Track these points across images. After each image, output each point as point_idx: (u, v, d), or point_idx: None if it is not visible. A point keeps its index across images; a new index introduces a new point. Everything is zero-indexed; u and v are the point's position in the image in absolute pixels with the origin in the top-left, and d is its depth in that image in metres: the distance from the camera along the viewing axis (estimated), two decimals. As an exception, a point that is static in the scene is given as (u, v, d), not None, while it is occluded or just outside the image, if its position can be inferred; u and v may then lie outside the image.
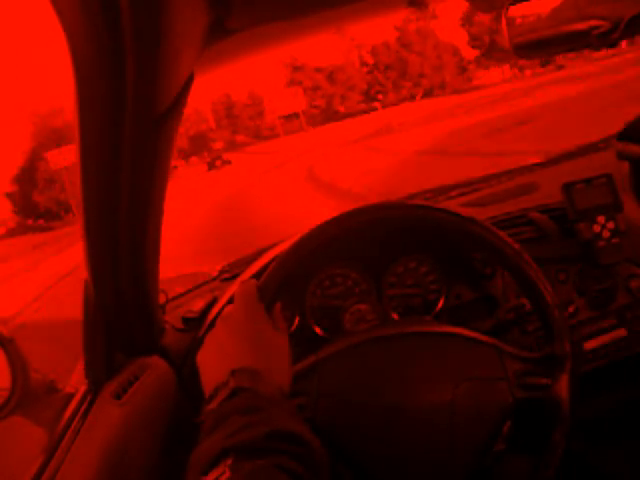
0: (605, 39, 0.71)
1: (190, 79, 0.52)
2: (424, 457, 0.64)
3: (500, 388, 0.66)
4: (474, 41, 41.99)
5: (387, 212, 0.68)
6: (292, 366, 0.58)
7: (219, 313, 0.91)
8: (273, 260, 0.65)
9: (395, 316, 0.98)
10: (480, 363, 0.67)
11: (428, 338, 0.69)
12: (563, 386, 0.67)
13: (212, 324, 0.90)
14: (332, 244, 0.66)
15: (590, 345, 0.95)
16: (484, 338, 0.69)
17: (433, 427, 0.64)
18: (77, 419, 0.68)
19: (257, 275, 0.88)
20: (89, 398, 0.71)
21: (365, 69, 45.55)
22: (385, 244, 0.97)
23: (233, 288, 0.93)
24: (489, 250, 0.68)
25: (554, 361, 0.67)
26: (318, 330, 0.96)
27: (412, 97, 43.15)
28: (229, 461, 0.41)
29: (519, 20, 0.73)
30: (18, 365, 0.65)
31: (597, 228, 0.96)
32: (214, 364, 0.54)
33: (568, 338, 0.68)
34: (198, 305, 0.97)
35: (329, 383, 0.64)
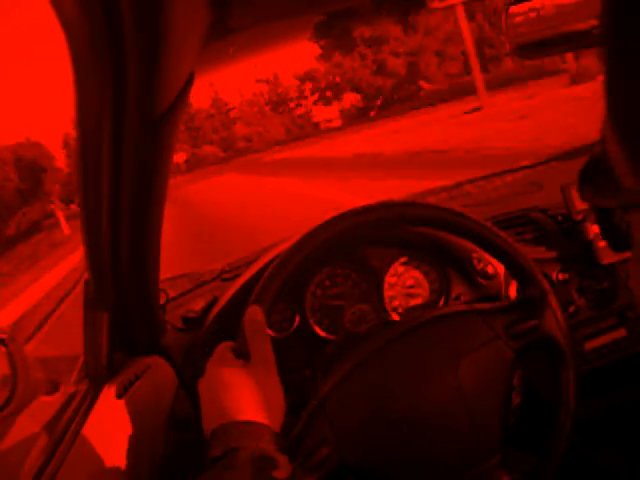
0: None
1: (190, 79, 0.52)
2: (455, 446, 0.64)
3: (496, 348, 0.66)
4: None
5: (385, 212, 0.68)
6: (284, 404, 0.56)
7: (219, 314, 0.91)
8: (274, 260, 0.65)
9: (395, 316, 0.98)
10: (468, 334, 0.67)
11: (408, 338, 0.68)
12: (551, 321, 0.67)
13: (212, 324, 0.91)
14: (333, 244, 0.67)
15: (591, 345, 0.95)
16: (462, 307, 0.70)
17: (451, 416, 0.63)
18: (78, 419, 0.68)
19: (257, 275, 0.88)
20: (90, 398, 0.71)
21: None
22: (386, 244, 0.97)
23: (233, 288, 0.94)
24: (446, 227, 0.70)
25: (534, 300, 0.68)
26: (319, 330, 0.96)
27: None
28: None
29: (519, 20, 0.73)
30: (19, 364, 0.65)
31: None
32: (207, 417, 0.54)
33: (539, 275, 0.68)
34: (198, 305, 0.97)
35: (341, 423, 0.62)
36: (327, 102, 37.53)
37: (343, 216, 0.67)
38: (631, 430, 1.03)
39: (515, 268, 0.70)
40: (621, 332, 0.96)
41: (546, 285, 0.69)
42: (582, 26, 0.70)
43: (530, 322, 0.67)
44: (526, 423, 0.81)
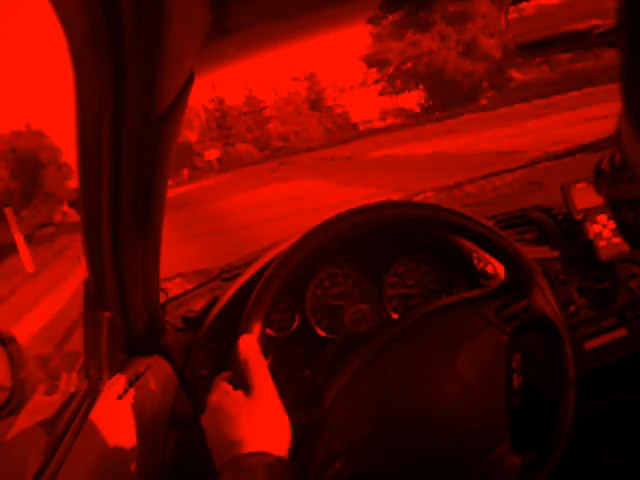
0: (606, 39, 0.71)
1: (190, 79, 0.52)
2: (464, 439, 0.64)
3: (490, 335, 0.66)
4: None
5: (385, 211, 0.69)
6: (289, 426, 0.56)
7: (219, 314, 0.91)
8: (274, 259, 0.65)
9: (395, 316, 0.98)
10: (461, 325, 0.67)
11: (406, 335, 0.68)
12: (540, 299, 0.68)
13: (212, 324, 0.91)
14: (333, 244, 0.66)
15: (591, 345, 0.95)
16: (451, 299, 0.69)
17: (456, 410, 0.63)
18: (78, 419, 0.68)
19: (257, 274, 0.88)
20: (90, 398, 0.72)
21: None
22: (386, 244, 0.97)
23: (234, 288, 0.94)
24: (429, 222, 0.70)
25: (522, 281, 0.68)
26: (319, 330, 0.96)
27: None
28: None
29: (520, 20, 0.73)
30: (19, 365, 0.65)
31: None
32: (214, 451, 0.55)
33: (523, 255, 0.69)
34: (198, 305, 0.97)
35: (347, 433, 0.61)
36: (395, 92, 32.75)
37: (342, 216, 0.67)
38: (631, 430, 1.03)
39: (499, 252, 0.70)
40: (621, 332, 0.96)
41: (532, 265, 0.69)
42: (582, 26, 0.70)
43: (520, 303, 0.67)
44: (530, 403, 0.80)
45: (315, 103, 37.31)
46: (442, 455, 0.63)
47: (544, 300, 0.68)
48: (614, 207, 0.62)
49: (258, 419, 0.54)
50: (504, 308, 0.67)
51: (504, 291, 0.69)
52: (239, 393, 0.56)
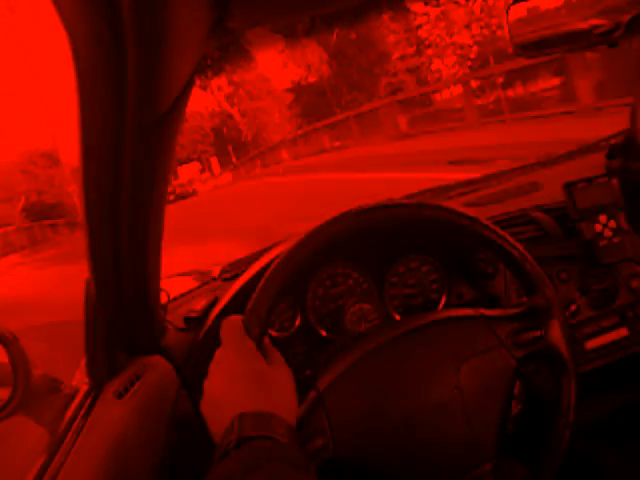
0: (606, 38, 0.71)
1: (191, 79, 0.52)
2: (449, 449, 0.64)
3: (499, 355, 0.66)
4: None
5: (387, 211, 0.68)
6: (296, 397, 0.57)
7: (220, 314, 0.91)
8: (274, 260, 0.65)
9: (396, 316, 0.98)
10: (473, 338, 0.67)
11: (416, 335, 0.68)
12: (556, 332, 0.67)
13: (213, 324, 0.91)
14: (333, 244, 0.66)
15: (591, 344, 0.95)
16: (469, 312, 0.69)
17: (449, 418, 0.63)
18: (79, 419, 0.68)
19: (258, 274, 0.88)
20: (91, 397, 0.72)
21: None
22: (387, 244, 0.98)
23: (234, 288, 0.94)
24: (456, 231, 0.69)
25: (540, 311, 0.68)
26: (320, 329, 0.96)
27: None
28: None
29: (520, 20, 0.73)
30: (20, 364, 0.65)
31: (599, 227, 0.96)
32: (218, 413, 0.53)
33: (547, 285, 0.68)
34: (199, 305, 0.97)
35: (338, 416, 0.62)
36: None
37: (344, 216, 0.67)
38: (631, 430, 1.03)
39: (523, 275, 0.69)
40: (622, 331, 0.96)
41: (554, 296, 0.68)
42: (582, 26, 0.71)
43: (535, 332, 0.67)
44: (524, 433, 0.80)
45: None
46: (425, 458, 0.63)
47: (559, 334, 0.67)
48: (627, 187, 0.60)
49: (266, 382, 0.54)
50: (518, 333, 0.67)
51: (521, 316, 0.69)
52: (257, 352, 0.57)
